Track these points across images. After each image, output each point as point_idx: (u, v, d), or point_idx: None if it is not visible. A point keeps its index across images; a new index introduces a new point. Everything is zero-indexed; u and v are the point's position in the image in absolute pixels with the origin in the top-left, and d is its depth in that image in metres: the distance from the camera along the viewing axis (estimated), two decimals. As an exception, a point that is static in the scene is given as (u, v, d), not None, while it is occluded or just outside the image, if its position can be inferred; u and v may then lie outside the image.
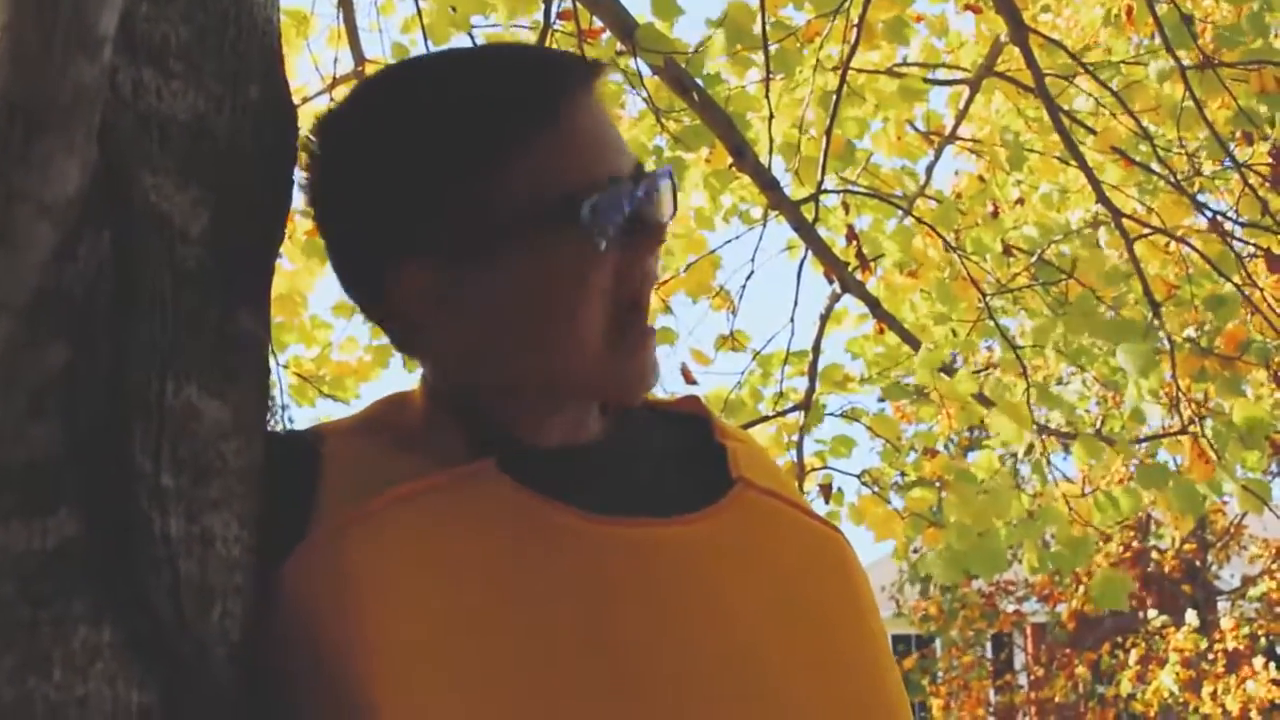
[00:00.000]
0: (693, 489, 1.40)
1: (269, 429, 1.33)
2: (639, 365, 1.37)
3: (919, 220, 6.36)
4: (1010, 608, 21.92)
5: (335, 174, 1.38)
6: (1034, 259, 6.49)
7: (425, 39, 5.20)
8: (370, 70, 5.73)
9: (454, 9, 4.94)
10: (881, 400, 7.07)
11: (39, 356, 1.10)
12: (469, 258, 1.32)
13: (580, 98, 1.34)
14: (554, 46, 4.85)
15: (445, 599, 1.22)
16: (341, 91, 5.91)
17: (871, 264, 6.31)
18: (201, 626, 1.16)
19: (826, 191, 5.73)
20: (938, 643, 22.73)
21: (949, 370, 6.07)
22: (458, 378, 1.40)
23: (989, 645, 23.10)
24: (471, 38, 5.25)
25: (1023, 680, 22.41)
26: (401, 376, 7.20)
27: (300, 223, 6.27)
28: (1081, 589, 19.53)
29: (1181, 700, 18.49)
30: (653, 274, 1.38)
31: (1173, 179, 6.30)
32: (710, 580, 1.32)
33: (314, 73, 6.30)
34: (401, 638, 1.19)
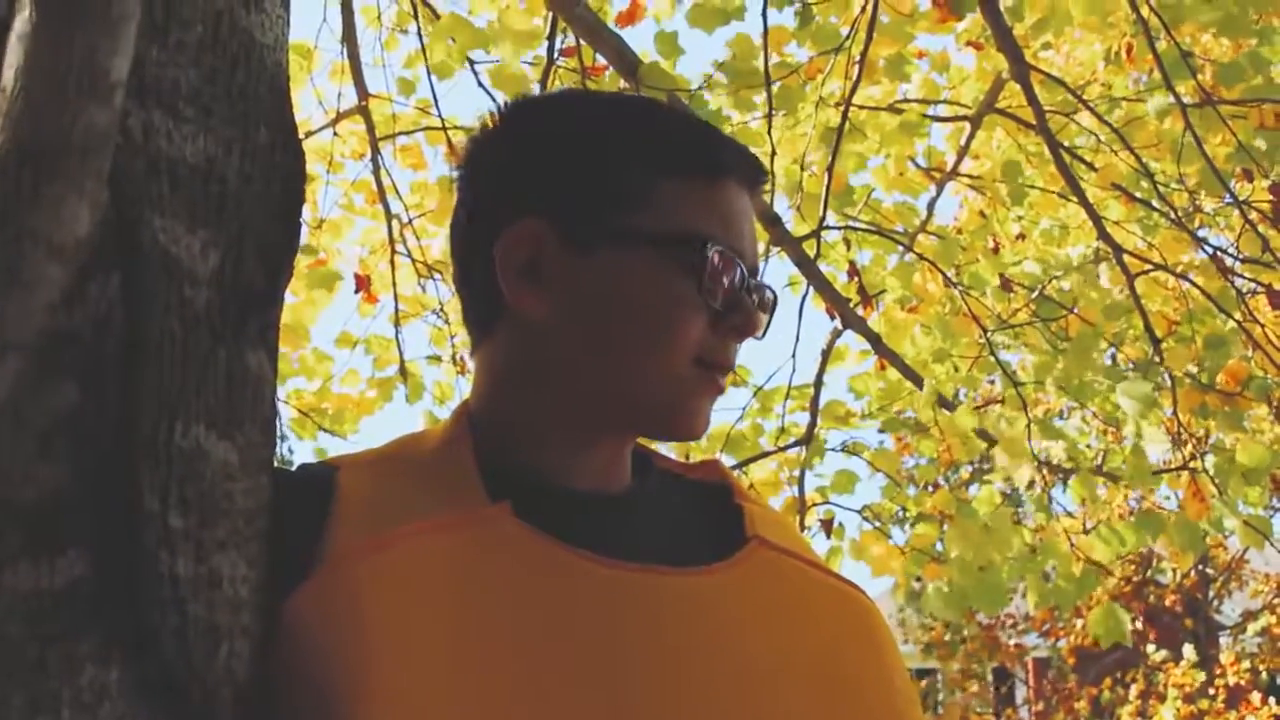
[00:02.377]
0: (709, 546, 1.40)
1: (279, 465, 1.34)
2: (694, 415, 1.41)
3: (920, 256, 6.37)
4: (1012, 641, 21.88)
5: (506, 136, 1.47)
6: (1034, 295, 6.50)
7: (429, 74, 5.22)
8: (374, 105, 5.75)
9: (453, 39, 4.96)
10: (882, 432, 7.05)
11: (48, 397, 1.11)
12: (577, 239, 1.37)
13: (735, 183, 1.43)
14: (556, 82, 4.87)
15: (450, 637, 1.22)
16: (345, 126, 5.94)
17: (873, 300, 6.32)
18: (208, 667, 1.16)
19: (829, 228, 5.75)
20: (939, 674, 22.69)
21: (950, 405, 6.07)
22: (500, 390, 1.43)
23: (990, 679, 23.05)
24: (474, 73, 5.27)
25: (1024, 714, 22.35)
26: (403, 410, 7.25)
27: (302, 256, 6.29)
28: (1081, 623, 19.48)
29: (1182, 736, 18.43)
30: (735, 354, 1.43)
31: (1173, 215, 6.31)
32: (723, 630, 1.32)
33: (317, 107, 6.33)
34: (404, 674, 1.19)
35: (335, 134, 6.32)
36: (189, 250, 1.21)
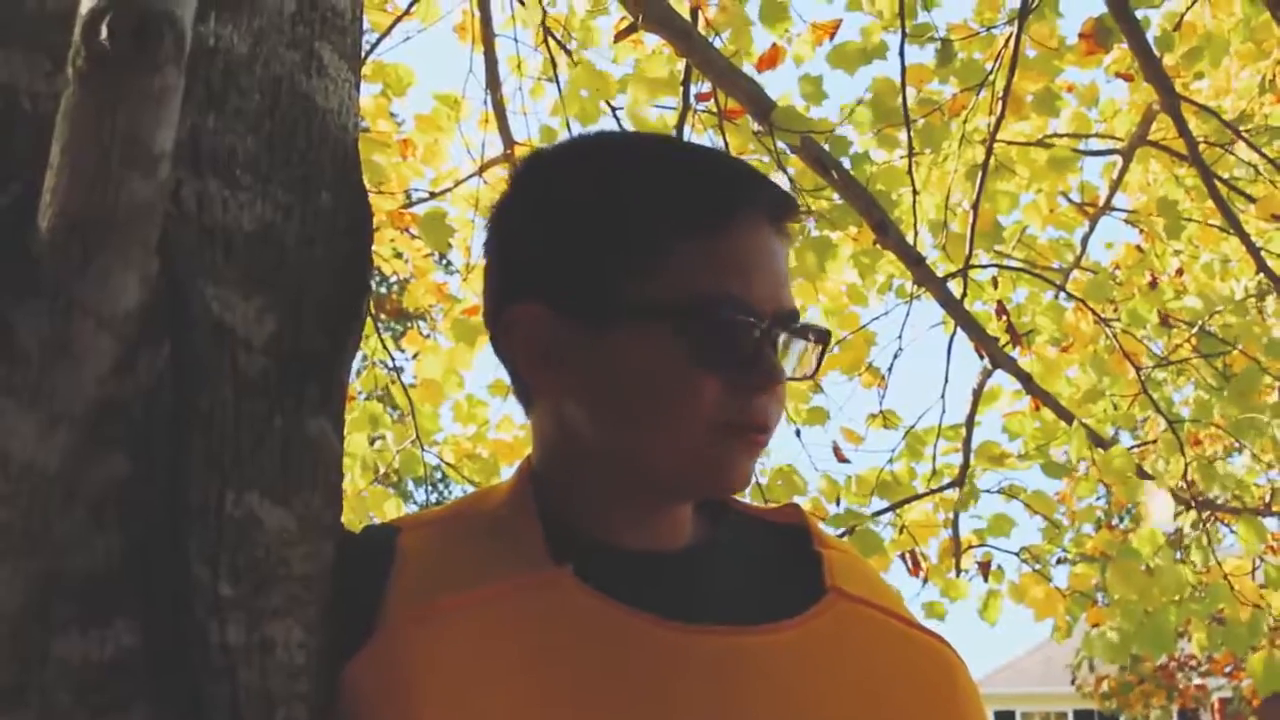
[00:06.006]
0: (784, 598, 1.36)
1: (348, 528, 1.34)
2: (727, 471, 1.35)
3: (1070, 295, 6.25)
4: (1195, 682, 21.37)
5: (513, 204, 1.45)
6: (1194, 330, 6.34)
7: (568, 121, 5.26)
8: (520, 153, 5.81)
9: (587, 91, 4.99)
10: (1048, 477, 6.91)
11: (99, 468, 1.11)
12: (581, 321, 1.34)
13: (750, 221, 1.34)
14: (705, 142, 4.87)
15: (503, 707, 1.21)
16: (492, 173, 6.01)
17: (1023, 339, 6.21)
18: (261, 735, 1.16)
19: (974, 266, 5.66)
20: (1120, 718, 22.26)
21: (1105, 444, 5.93)
22: (553, 456, 1.41)
23: (1174, 720, 22.55)
24: (616, 118, 5.30)
25: (1208, 757, 21.80)
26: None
27: (455, 303, 6.35)
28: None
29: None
30: (764, 411, 1.34)
31: (1338, 246, 6.14)
32: (794, 691, 1.29)
33: (465, 155, 6.40)
34: None
35: (483, 180, 6.39)
36: (244, 317, 1.21)
